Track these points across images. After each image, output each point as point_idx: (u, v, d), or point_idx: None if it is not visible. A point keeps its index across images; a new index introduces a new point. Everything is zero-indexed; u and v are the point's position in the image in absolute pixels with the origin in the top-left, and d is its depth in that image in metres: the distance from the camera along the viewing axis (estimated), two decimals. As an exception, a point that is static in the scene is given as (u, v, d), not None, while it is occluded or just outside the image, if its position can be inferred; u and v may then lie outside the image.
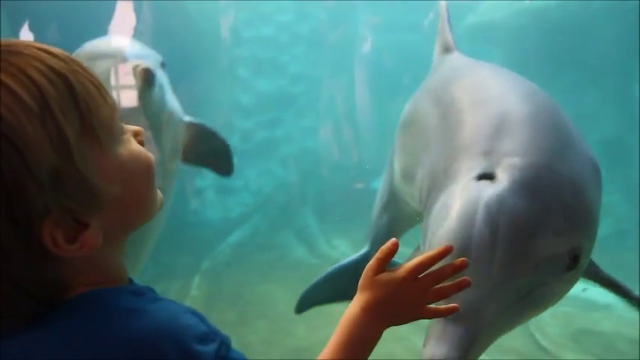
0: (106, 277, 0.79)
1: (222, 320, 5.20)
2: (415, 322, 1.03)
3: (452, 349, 1.22)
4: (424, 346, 1.27)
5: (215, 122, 9.52)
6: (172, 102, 3.39)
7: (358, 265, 3.10)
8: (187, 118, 3.68)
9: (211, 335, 0.79)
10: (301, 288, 5.98)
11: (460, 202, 1.42)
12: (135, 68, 2.79)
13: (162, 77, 3.10)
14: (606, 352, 4.42)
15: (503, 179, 1.42)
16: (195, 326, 0.78)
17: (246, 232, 8.04)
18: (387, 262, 0.98)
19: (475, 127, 1.67)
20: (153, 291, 0.84)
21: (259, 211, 8.73)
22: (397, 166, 2.50)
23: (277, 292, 5.92)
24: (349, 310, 0.96)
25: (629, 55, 6.80)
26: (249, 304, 5.61)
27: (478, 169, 1.49)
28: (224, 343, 0.81)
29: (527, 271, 1.35)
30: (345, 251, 7.20)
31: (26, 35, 5.35)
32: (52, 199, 0.68)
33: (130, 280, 0.85)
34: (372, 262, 0.99)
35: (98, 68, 2.77)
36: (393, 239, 0.99)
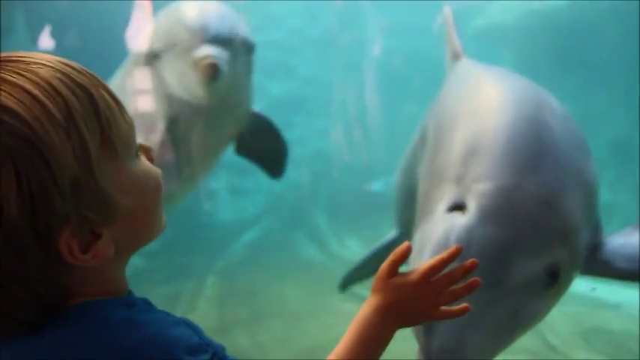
0: (108, 289, 0.81)
1: (235, 319, 5.26)
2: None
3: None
4: None
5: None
6: (244, 92, 3.15)
7: (391, 246, 3.31)
8: (256, 110, 3.48)
9: (203, 347, 0.79)
10: (313, 287, 6.05)
11: (433, 239, 1.46)
12: (201, 60, 2.60)
13: (242, 64, 2.86)
14: (617, 351, 4.41)
15: (472, 209, 1.46)
16: (186, 338, 0.78)
17: (258, 232, 8.09)
18: (400, 265, 1.00)
19: (450, 149, 1.71)
20: (148, 303, 0.84)
21: (271, 212, 8.78)
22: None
23: (290, 291, 5.95)
24: (362, 311, 0.98)
25: (638, 55, 6.80)
26: (262, 303, 5.65)
27: (450, 200, 1.53)
28: (217, 354, 0.81)
29: (502, 297, 1.38)
30: (356, 251, 7.23)
31: (45, 40, 5.45)
32: (72, 208, 0.69)
33: (129, 292, 0.87)
34: (385, 265, 1.00)
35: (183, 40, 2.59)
36: (406, 242, 1.00)
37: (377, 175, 9.98)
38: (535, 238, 1.47)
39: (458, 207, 1.51)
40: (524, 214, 1.48)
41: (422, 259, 1.42)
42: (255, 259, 7.06)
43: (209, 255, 6.95)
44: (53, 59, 0.71)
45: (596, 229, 1.80)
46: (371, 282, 1.03)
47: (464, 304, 1.03)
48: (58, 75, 0.69)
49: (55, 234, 0.69)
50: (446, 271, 1.01)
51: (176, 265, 6.45)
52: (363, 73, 11.47)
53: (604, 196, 8.25)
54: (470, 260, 1.01)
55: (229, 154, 10.26)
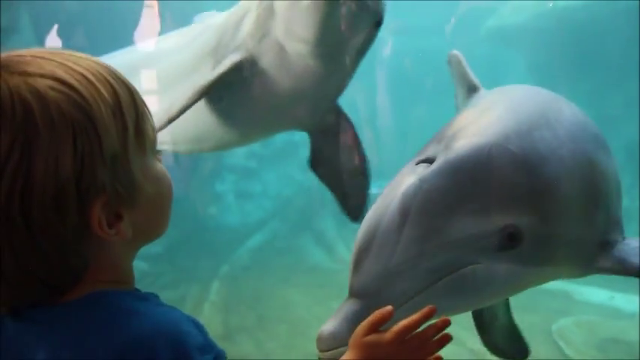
0: (118, 278, 0.85)
1: (240, 325, 5.20)
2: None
3: (341, 324, 1.26)
4: None
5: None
6: (347, 71, 2.59)
7: None
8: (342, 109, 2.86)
9: (207, 348, 0.82)
10: (320, 293, 5.99)
11: (389, 187, 1.43)
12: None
13: (363, 32, 2.41)
14: None
15: (438, 161, 1.40)
16: (194, 335, 0.81)
17: (265, 236, 8.05)
18: (379, 326, 1.05)
19: (447, 125, 1.65)
20: (157, 297, 0.88)
21: (278, 216, 8.74)
22: None
23: (296, 296, 5.91)
24: None
25: (655, 57, 6.67)
26: (269, 308, 5.60)
27: (424, 154, 1.48)
28: (219, 357, 0.84)
29: (438, 250, 1.33)
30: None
31: (52, 39, 5.43)
32: (109, 179, 0.78)
33: (136, 289, 0.90)
34: (363, 324, 1.06)
35: None
36: (389, 307, 1.06)
37: (390, 179, 9.88)
38: (493, 195, 1.39)
39: (427, 160, 1.45)
40: (488, 170, 1.39)
41: (375, 207, 1.42)
42: (261, 264, 7.02)
43: (214, 259, 6.92)
44: (96, 58, 0.84)
45: (609, 228, 1.64)
46: None
47: (437, 355, 1.07)
48: (105, 68, 0.82)
49: (91, 202, 0.77)
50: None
51: (181, 270, 6.42)
52: (374, 75, 11.43)
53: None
54: (441, 319, 1.06)
55: (235, 155, 10.21)
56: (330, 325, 1.29)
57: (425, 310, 1.07)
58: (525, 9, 7.88)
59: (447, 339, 1.07)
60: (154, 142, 0.88)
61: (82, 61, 0.81)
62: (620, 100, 7.14)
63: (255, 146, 9.38)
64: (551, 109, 1.70)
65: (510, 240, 1.38)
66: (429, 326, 1.07)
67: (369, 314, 1.09)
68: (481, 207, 1.37)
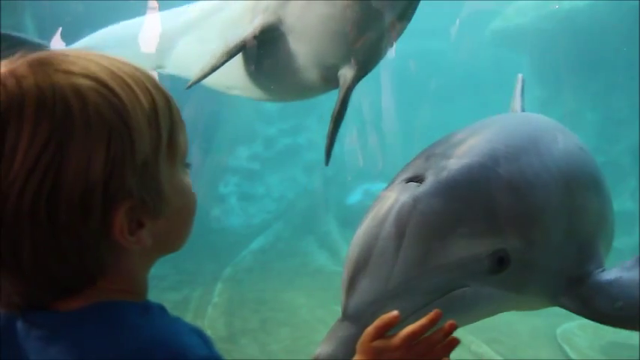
0: (130, 288, 0.84)
1: (244, 328, 5.18)
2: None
3: (338, 348, 1.25)
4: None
5: (238, 128, 9.60)
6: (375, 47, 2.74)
7: None
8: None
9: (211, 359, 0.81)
10: (323, 296, 5.97)
11: (380, 203, 1.41)
12: None
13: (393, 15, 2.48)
14: None
15: (429, 180, 1.40)
16: (196, 347, 0.80)
17: (268, 238, 8.04)
18: (385, 331, 1.05)
19: (436, 142, 1.66)
20: (163, 309, 0.86)
21: (281, 218, 8.73)
22: None
23: (300, 299, 5.89)
24: None
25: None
26: (272, 311, 5.58)
27: (411, 171, 1.47)
28: None
29: (434, 273, 1.33)
30: (367, 259, 7.14)
31: (56, 42, 5.43)
32: (136, 185, 0.78)
33: (146, 300, 0.89)
34: (370, 329, 1.06)
35: None
36: (396, 312, 1.06)
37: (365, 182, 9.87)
38: (484, 219, 1.41)
39: (416, 178, 1.44)
40: (481, 193, 1.43)
41: (364, 221, 1.42)
42: (265, 266, 7.01)
43: (218, 261, 6.90)
44: (139, 66, 0.85)
45: (582, 262, 1.65)
46: None
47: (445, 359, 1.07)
48: (147, 76, 0.83)
49: (116, 206, 0.76)
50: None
51: (184, 272, 6.40)
52: (378, 77, 11.41)
53: (626, 204, 8.06)
54: (448, 323, 1.06)
55: (239, 157, 10.17)
56: (326, 349, 1.28)
57: (431, 314, 1.07)
58: (529, 11, 7.85)
59: (455, 343, 1.07)
60: (184, 154, 0.88)
61: (125, 67, 0.82)
62: (625, 103, 7.11)
63: (259, 149, 9.37)
64: (543, 137, 1.72)
65: (499, 264, 1.39)
66: (436, 331, 1.07)
67: None
68: (473, 230, 1.38)
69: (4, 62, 0.77)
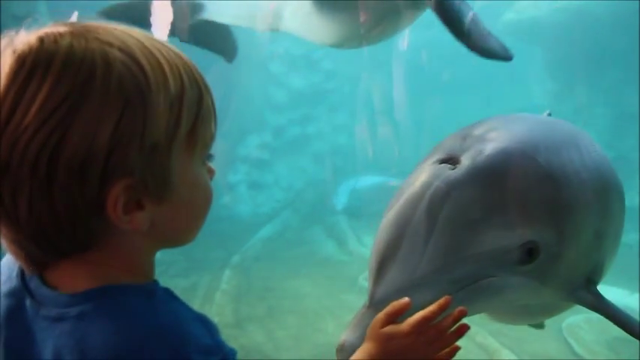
0: (132, 269, 0.84)
1: (251, 315, 5.23)
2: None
3: (363, 335, 1.19)
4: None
5: (248, 117, 9.61)
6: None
7: None
8: None
9: (214, 349, 0.80)
10: (330, 285, 6.00)
11: (412, 186, 1.36)
12: None
13: None
14: None
15: (465, 165, 1.35)
16: (199, 336, 0.79)
17: (276, 227, 8.05)
18: (396, 318, 1.05)
19: (475, 123, 1.59)
20: (170, 293, 0.85)
21: (290, 207, 8.75)
22: None
23: (306, 287, 5.92)
24: (357, 355, 1.05)
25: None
26: (279, 299, 5.62)
27: (444, 151, 1.42)
28: (228, 358, 0.81)
29: (463, 263, 1.30)
30: (375, 249, 7.15)
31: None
32: (140, 165, 0.76)
33: (155, 281, 0.88)
34: (380, 315, 1.05)
35: None
36: (406, 298, 1.05)
37: (403, 172, 9.80)
38: (518, 210, 1.35)
39: (450, 160, 1.38)
40: (518, 182, 1.37)
41: (395, 205, 1.36)
42: (273, 255, 7.03)
43: (226, 249, 6.94)
44: (180, 51, 0.85)
45: (596, 268, 1.64)
46: None
47: (454, 345, 1.06)
48: (185, 63, 0.82)
49: (114, 180, 0.75)
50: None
51: (193, 259, 6.45)
52: (388, 67, 11.35)
53: (636, 200, 7.97)
54: (458, 309, 1.05)
55: (248, 146, 10.18)
56: (351, 336, 1.27)
57: (441, 301, 1.06)
58: (543, 3, 7.76)
59: (465, 329, 1.06)
60: (206, 149, 0.86)
61: (165, 49, 0.81)
62: (636, 97, 7.02)
63: (268, 138, 9.39)
64: (583, 138, 1.67)
65: (529, 255, 1.36)
66: (446, 317, 1.06)
67: None
68: (507, 220, 1.34)
69: (55, 23, 0.79)
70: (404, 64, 11.18)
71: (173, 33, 3.89)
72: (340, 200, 8.67)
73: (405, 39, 11.23)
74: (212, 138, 0.87)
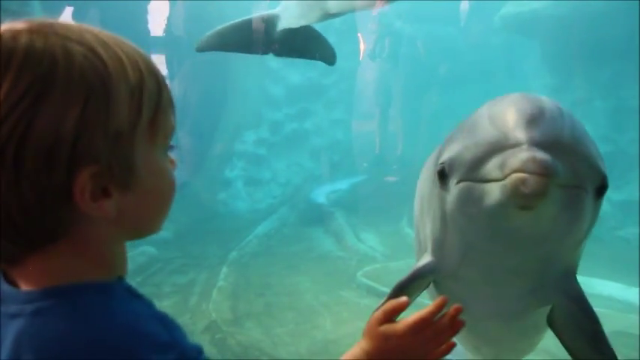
0: (99, 260, 0.85)
1: (248, 311, 5.21)
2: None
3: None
4: None
5: (245, 113, 9.59)
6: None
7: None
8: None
9: (170, 346, 0.80)
10: (328, 280, 5.99)
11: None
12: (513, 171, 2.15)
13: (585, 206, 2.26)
14: None
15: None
16: (154, 334, 0.80)
17: (273, 223, 8.04)
18: (394, 317, 1.07)
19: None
20: (129, 290, 0.86)
21: (287, 203, 8.74)
22: None
23: (304, 284, 5.91)
24: (354, 351, 1.07)
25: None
26: (276, 295, 5.61)
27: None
28: (185, 355, 0.82)
29: (579, 161, 1.29)
30: (372, 245, 7.16)
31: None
32: (105, 152, 0.79)
33: (119, 278, 0.89)
34: (378, 313, 1.07)
35: None
36: (404, 298, 1.08)
37: (402, 168, 9.81)
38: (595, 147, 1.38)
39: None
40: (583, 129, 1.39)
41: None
42: (270, 251, 7.03)
43: (223, 245, 6.93)
44: (136, 45, 0.88)
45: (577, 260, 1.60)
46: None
47: (450, 342, 1.08)
48: (144, 58, 0.85)
49: (81, 167, 0.77)
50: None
51: (190, 255, 6.44)
52: (384, 63, 11.33)
53: (634, 193, 7.94)
54: (454, 307, 1.06)
55: (245, 142, 10.13)
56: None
57: (438, 301, 1.08)
58: (541, -4, 7.73)
59: (460, 326, 1.08)
60: (167, 138, 0.89)
61: (124, 45, 0.84)
62: (635, 92, 7.01)
63: (265, 133, 9.37)
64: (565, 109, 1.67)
65: (601, 192, 1.36)
66: (443, 315, 1.08)
67: None
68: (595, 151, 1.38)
69: (8, 22, 0.80)
70: (402, 59, 11.18)
71: (266, 51, 3.96)
72: (319, 198, 8.66)
73: (402, 34, 11.22)
74: (172, 129, 0.90)
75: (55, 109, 0.76)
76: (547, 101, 1.32)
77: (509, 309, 1.66)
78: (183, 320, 4.77)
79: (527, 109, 1.26)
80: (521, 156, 1.20)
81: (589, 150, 1.32)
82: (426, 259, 1.70)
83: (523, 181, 1.19)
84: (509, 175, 1.21)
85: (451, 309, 1.07)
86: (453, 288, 1.68)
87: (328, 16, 3.54)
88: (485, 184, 1.28)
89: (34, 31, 0.78)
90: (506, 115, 1.27)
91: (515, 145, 1.22)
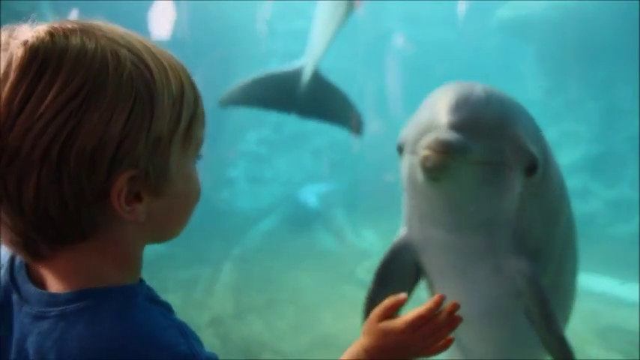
0: (122, 263, 0.86)
1: (251, 306, 5.28)
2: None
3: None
4: None
5: (247, 113, 9.66)
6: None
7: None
8: None
9: (189, 357, 0.80)
10: (329, 276, 6.04)
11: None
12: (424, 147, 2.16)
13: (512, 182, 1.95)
14: (634, 350, 4.31)
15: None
16: (174, 345, 0.80)
17: (275, 220, 8.07)
18: (392, 313, 1.08)
19: None
20: (150, 299, 0.87)
21: (289, 201, 8.79)
22: None
23: (305, 279, 5.95)
24: (354, 348, 1.07)
25: (667, 50, 6.61)
26: (278, 290, 5.67)
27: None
28: None
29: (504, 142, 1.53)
30: (373, 242, 7.21)
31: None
32: (145, 157, 0.80)
33: (140, 281, 0.90)
34: (377, 310, 1.08)
35: None
36: (403, 294, 1.09)
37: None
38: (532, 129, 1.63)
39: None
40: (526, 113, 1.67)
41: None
42: (272, 247, 7.09)
43: (226, 242, 6.98)
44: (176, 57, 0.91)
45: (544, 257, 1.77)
46: None
47: (449, 337, 1.10)
48: (184, 69, 0.88)
49: (121, 170, 0.79)
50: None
51: (194, 251, 6.49)
52: (384, 64, 11.37)
53: (625, 192, 8.02)
54: (451, 303, 1.08)
55: (247, 141, 10.19)
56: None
57: (436, 298, 1.08)
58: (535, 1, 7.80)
59: (457, 321, 1.08)
60: (198, 147, 0.91)
61: (166, 55, 0.86)
62: (626, 92, 7.08)
63: (267, 132, 9.42)
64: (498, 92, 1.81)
65: (531, 170, 1.57)
66: (441, 312, 1.08)
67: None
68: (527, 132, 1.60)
69: (58, 20, 0.82)
70: (399, 61, 11.20)
71: (290, 111, 3.89)
72: (308, 199, 8.68)
73: (400, 36, 11.26)
74: (202, 140, 0.93)
75: (103, 112, 0.77)
76: (478, 89, 1.53)
77: (479, 292, 1.75)
78: (187, 314, 4.85)
79: (454, 96, 1.50)
80: (431, 136, 1.44)
81: (516, 132, 1.52)
82: (401, 233, 1.86)
83: (427, 157, 1.43)
84: (421, 152, 1.46)
85: (449, 305, 1.08)
86: (426, 264, 1.80)
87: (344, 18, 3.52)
88: (415, 157, 1.51)
89: (84, 31, 0.80)
90: (437, 102, 1.52)
91: (437, 128, 1.46)
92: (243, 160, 9.01)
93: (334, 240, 7.39)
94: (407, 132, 1.61)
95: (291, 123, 9.70)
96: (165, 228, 0.91)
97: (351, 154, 10.33)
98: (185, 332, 0.83)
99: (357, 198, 8.94)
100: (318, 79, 3.91)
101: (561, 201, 1.79)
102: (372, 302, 1.85)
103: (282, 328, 4.83)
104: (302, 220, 7.98)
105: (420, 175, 1.49)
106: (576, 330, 4.77)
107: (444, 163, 1.42)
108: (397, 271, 1.83)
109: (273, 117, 9.44)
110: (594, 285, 5.45)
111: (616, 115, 7.24)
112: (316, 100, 3.88)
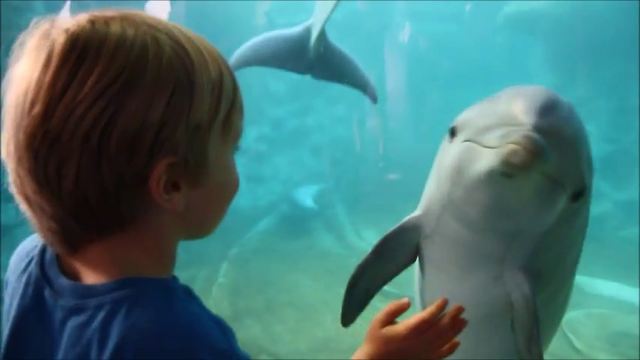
0: (156, 256, 0.85)
1: (248, 308, 5.21)
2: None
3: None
4: None
5: (246, 109, 9.57)
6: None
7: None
8: None
9: (229, 353, 0.80)
10: (328, 278, 5.98)
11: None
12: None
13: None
14: None
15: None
16: (215, 340, 0.80)
17: (274, 220, 8.03)
18: (395, 318, 1.09)
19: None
20: (189, 292, 0.86)
21: (288, 200, 8.73)
22: None
23: (304, 281, 5.91)
24: (357, 356, 1.08)
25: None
26: (277, 292, 5.60)
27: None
28: None
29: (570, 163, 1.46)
30: (373, 242, 7.12)
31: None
32: (184, 143, 0.80)
33: (174, 277, 0.88)
34: (380, 315, 1.09)
35: None
36: (406, 299, 1.09)
37: (402, 165, 9.78)
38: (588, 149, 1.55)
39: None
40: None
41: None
42: (271, 248, 7.02)
43: (224, 242, 6.91)
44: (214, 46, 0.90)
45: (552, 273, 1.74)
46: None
47: (454, 341, 1.11)
48: (223, 58, 0.88)
49: (161, 156, 0.78)
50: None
51: (191, 251, 6.40)
52: (387, 59, 11.31)
53: (636, 193, 7.94)
54: (455, 307, 1.09)
55: (246, 138, 10.12)
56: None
57: (439, 302, 1.10)
58: (544, -5, 7.71)
59: (462, 325, 1.08)
60: (237, 138, 0.90)
61: (206, 43, 0.87)
62: (637, 91, 7.00)
63: (267, 130, 9.36)
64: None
65: (578, 197, 1.53)
66: (444, 316, 1.09)
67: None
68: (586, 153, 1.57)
69: (99, 10, 0.82)
70: (404, 57, 11.16)
71: (305, 71, 3.86)
72: (304, 200, 8.62)
73: (405, 32, 11.20)
74: (241, 131, 0.91)
75: (143, 97, 0.77)
76: (562, 101, 1.45)
77: (472, 296, 1.71)
78: (183, 316, 4.76)
79: (542, 100, 1.40)
80: (523, 133, 1.34)
81: (581, 156, 1.47)
82: (414, 213, 1.81)
83: (515, 152, 1.33)
84: (506, 144, 1.35)
85: (452, 309, 1.09)
86: (428, 253, 1.76)
87: None
88: (483, 148, 1.42)
89: (124, 19, 0.80)
90: (522, 99, 1.41)
91: (521, 125, 1.36)
92: (242, 158, 8.92)
93: (334, 240, 7.32)
94: (471, 117, 1.53)
95: (291, 120, 9.62)
96: (203, 221, 0.91)
97: (352, 152, 10.26)
98: (224, 328, 0.83)
99: (358, 197, 8.88)
100: (326, 41, 3.88)
101: (583, 232, 1.77)
102: (361, 272, 1.84)
103: (280, 331, 4.78)
104: (301, 220, 7.91)
105: (486, 165, 1.40)
106: (585, 336, 4.73)
107: (531, 163, 1.33)
108: (397, 249, 1.81)
109: (272, 113, 9.35)
110: (603, 289, 5.40)
111: (627, 114, 7.18)
112: (326, 60, 3.86)
